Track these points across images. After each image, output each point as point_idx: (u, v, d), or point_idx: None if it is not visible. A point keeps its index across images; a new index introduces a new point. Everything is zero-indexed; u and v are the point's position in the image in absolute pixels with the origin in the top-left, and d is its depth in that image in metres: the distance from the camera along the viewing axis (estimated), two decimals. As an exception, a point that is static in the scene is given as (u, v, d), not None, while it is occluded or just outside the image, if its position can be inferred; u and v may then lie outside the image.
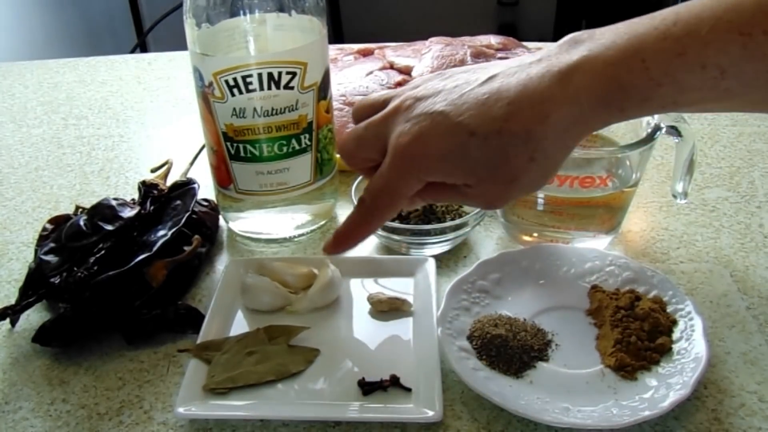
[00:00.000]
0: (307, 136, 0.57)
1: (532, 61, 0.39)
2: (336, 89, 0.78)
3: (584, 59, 0.37)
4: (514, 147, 0.38)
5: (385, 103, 0.43)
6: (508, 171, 0.39)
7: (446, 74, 0.43)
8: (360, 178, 0.62)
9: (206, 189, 0.64)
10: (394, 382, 0.45)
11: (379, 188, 0.42)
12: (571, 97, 0.37)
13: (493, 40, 0.88)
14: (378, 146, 0.42)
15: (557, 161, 0.39)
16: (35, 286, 0.53)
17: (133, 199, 0.60)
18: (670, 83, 0.35)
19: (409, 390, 0.45)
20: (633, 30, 0.37)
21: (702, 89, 0.35)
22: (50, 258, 0.53)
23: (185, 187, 0.61)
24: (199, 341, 0.49)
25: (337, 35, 2.40)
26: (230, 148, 0.57)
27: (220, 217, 0.64)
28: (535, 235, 0.59)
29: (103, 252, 0.52)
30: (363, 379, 0.46)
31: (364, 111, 0.45)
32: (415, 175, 0.40)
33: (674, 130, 0.53)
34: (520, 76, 0.39)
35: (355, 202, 0.59)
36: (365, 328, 0.51)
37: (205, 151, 0.62)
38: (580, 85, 0.37)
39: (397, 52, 0.87)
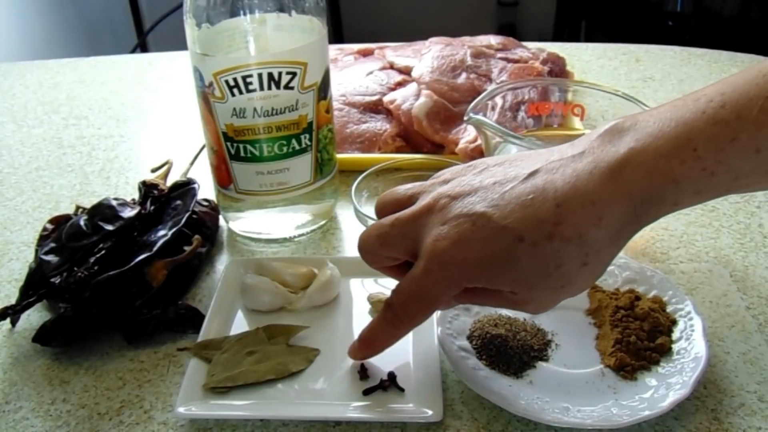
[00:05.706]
0: (307, 136, 0.57)
1: (574, 154, 0.37)
2: (336, 89, 0.78)
3: (633, 152, 0.35)
4: (567, 253, 0.35)
5: (411, 198, 0.41)
6: (559, 277, 0.36)
7: (479, 167, 0.40)
8: (360, 177, 0.62)
9: (206, 189, 0.64)
10: (392, 379, 0.45)
11: (412, 294, 0.39)
12: (623, 196, 0.35)
13: (493, 40, 0.88)
14: (405, 246, 0.39)
15: (607, 263, 0.38)
16: (35, 286, 0.53)
17: (133, 199, 0.60)
18: (725, 171, 0.34)
19: (402, 390, 0.45)
20: (680, 116, 0.35)
21: (756, 173, 0.34)
22: (50, 258, 0.54)
23: (185, 187, 0.61)
24: (199, 341, 0.49)
25: (337, 35, 2.40)
26: (230, 148, 0.57)
27: (220, 217, 0.64)
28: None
29: (103, 252, 0.52)
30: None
31: (387, 207, 0.42)
32: (455, 282, 0.38)
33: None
34: (566, 172, 0.36)
35: (355, 202, 0.59)
36: (365, 328, 0.51)
37: (205, 151, 0.62)
38: (632, 182, 0.35)
39: (397, 52, 0.87)
